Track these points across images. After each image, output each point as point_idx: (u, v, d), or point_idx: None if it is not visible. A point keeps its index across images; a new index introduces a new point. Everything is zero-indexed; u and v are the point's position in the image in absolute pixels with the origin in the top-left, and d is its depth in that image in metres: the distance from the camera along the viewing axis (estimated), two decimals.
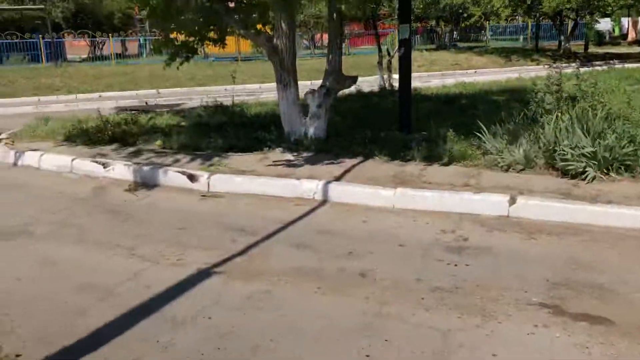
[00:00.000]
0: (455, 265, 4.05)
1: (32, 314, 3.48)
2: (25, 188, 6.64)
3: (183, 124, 9.54)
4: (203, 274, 4.01)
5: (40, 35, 24.28)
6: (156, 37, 17.27)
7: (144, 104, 15.69)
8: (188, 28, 7.68)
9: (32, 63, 23.26)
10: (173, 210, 5.63)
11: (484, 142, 6.48)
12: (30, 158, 7.68)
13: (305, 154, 7.06)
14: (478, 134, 6.62)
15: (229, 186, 6.18)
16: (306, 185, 5.86)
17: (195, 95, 16.48)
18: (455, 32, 33.94)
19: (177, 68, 8.44)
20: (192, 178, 6.37)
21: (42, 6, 23.80)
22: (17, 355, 2.70)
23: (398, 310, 3.41)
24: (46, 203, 5.96)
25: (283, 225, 5.02)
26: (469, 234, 4.66)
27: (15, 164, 7.84)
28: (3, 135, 9.36)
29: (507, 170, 6.01)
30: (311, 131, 7.44)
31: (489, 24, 32.91)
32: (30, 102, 16.27)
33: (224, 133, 8.15)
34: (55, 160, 7.42)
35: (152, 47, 7.88)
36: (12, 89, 17.61)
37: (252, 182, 6.11)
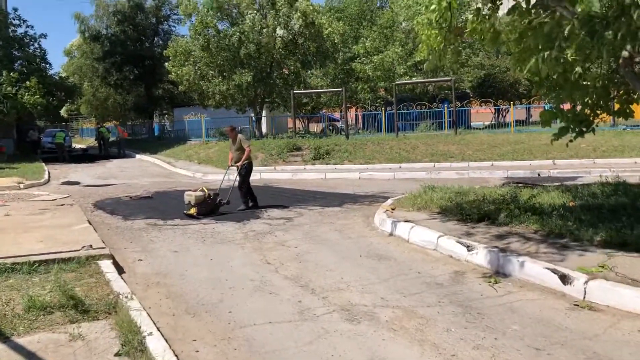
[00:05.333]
0: None
1: None
2: (389, 261, 6.62)
3: (571, 204, 8.24)
4: None
5: (445, 105, 26.06)
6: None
7: (536, 176, 14.79)
8: (581, 98, 6.57)
9: (437, 131, 25.04)
10: (533, 319, 4.60)
11: None
12: (402, 229, 7.75)
13: None
14: None
15: (612, 299, 4.75)
16: None
17: (595, 169, 14.66)
18: None
19: (567, 145, 7.37)
20: (564, 279, 5.18)
21: (449, 78, 25.47)
22: None
23: None
24: (401, 283, 5.72)
25: None
26: None
27: (390, 234, 8.03)
28: (389, 202, 9.91)
29: None
30: None
31: None
32: (425, 168, 17.34)
33: (619, 221, 6.60)
34: (423, 234, 7.26)
35: (540, 118, 7.07)
36: (413, 155, 19.16)
37: None
